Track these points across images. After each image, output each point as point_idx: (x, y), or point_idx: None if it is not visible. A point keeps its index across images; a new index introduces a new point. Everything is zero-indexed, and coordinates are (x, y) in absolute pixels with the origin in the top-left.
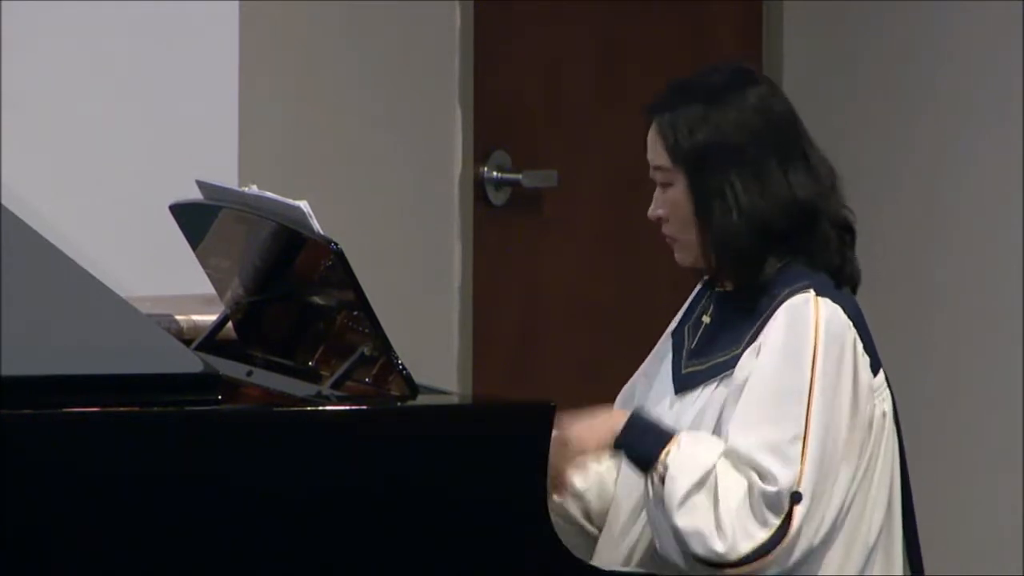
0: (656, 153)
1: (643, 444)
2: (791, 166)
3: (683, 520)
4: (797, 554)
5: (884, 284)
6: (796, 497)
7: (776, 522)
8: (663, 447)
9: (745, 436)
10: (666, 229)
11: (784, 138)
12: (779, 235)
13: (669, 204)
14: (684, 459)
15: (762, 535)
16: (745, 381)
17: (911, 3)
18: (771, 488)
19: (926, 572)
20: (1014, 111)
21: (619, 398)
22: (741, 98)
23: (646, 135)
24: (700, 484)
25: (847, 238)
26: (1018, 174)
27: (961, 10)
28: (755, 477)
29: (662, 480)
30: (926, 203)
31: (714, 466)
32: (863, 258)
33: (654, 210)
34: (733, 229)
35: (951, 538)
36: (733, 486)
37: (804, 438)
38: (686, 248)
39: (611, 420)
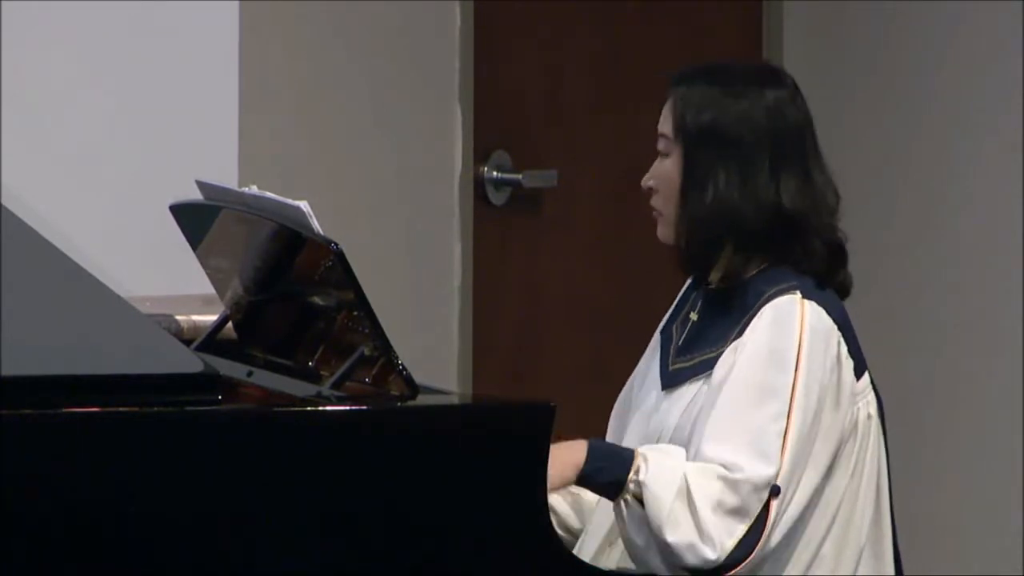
0: (665, 121)
1: (609, 471)
2: (785, 175)
3: (672, 535)
4: (769, 546)
5: (884, 285)
6: (775, 491)
7: (754, 513)
8: (629, 468)
9: (722, 434)
10: (654, 201)
11: (787, 146)
12: (751, 236)
13: (662, 176)
14: (658, 473)
15: (742, 528)
16: (723, 380)
17: (911, 3)
18: (738, 476)
19: (926, 573)
20: (1015, 111)
21: (617, 403)
22: (758, 94)
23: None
24: (678, 495)
25: (838, 256)
26: (1019, 174)
27: (961, 11)
28: (724, 472)
29: (639, 500)
30: (926, 203)
31: (685, 473)
32: (863, 259)
33: (647, 180)
34: (702, 214)
35: (952, 538)
36: (706, 487)
37: (785, 435)
38: (667, 224)
39: (572, 453)
